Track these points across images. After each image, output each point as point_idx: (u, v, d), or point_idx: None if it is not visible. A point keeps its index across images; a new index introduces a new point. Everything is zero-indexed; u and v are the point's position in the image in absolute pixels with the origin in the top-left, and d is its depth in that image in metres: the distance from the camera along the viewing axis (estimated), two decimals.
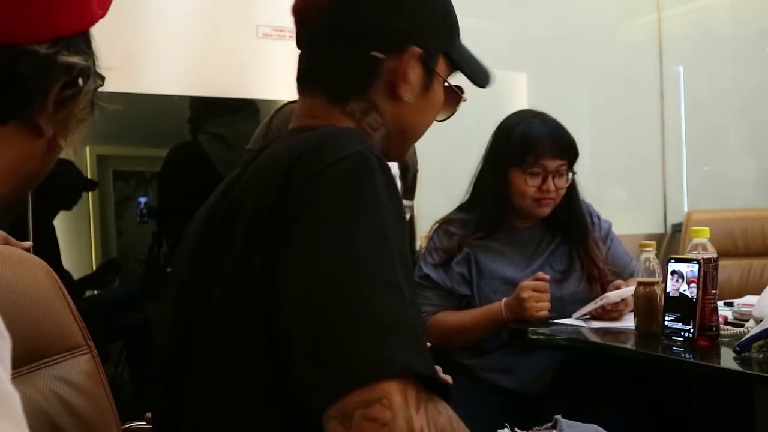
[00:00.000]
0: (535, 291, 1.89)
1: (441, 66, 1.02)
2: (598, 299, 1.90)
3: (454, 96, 1.07)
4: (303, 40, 0.99)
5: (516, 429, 1.29)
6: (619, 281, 2.01)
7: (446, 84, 1.04)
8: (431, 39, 0.98)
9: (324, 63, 0.97)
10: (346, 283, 0.72)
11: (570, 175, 2.05)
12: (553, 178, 2.02)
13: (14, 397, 0.48)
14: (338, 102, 0.95)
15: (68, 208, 2.27)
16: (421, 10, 0.99)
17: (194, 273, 0.89)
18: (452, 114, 1.09)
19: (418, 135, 1.04)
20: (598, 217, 2.20)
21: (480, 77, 1.13)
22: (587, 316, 1.93)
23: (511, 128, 2.06)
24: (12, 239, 1.33)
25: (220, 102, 2.38)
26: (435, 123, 1.08)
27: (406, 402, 0.69)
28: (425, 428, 0.71)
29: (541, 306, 1.89)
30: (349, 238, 0.74)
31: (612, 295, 1.89)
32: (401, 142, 1.02)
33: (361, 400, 0.68)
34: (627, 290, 1.91)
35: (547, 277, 1.93)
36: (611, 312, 1.91)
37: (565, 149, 2.04)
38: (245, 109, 2.41)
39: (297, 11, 0.98)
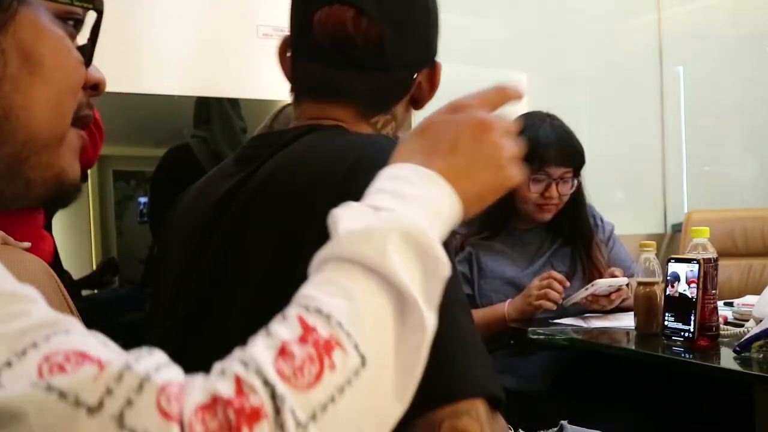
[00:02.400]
0: (548, 282, 1.90)
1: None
2: (588, 286, 1.90)
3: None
4: (336, 56, 0.93)
5: (520, 430, 1.29)
6: (613, 269, 2.02)
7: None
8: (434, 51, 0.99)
9: (373, 85, 0.94)
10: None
11: (575, 181, 2.05)
12: (557, 184, 2.02)
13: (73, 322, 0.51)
14: (369, 115, 0.95)
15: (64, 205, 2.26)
16: (438, 21, 0.98)
17: (217, 262, 0.85)
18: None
19: None
20: (602, 219, 2.20)
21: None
22: (582, 301, 1.94)
23: (518, 132, 2.05)
24: (11, 239, 1.33)
25: (214, 102, 2.38)
26: None
27: (488, 417, 0.70)
28: None
29: (552, 295, 1.89)
30: None
31: (601, 282, 1.90)
32: None
33: (450, 411, 0.68)
34: (617, 279, 1.92)
35: (560, 277, 1.93)
36: (600, 300, 1.92)
37: (571, 157, 2.03)
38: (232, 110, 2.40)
39: (337, 29, 0.92)
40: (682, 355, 1.57)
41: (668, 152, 3.62)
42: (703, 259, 1.56)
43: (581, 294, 1.91)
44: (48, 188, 0.60)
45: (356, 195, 0.67)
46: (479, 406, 0.69)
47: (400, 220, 0.57)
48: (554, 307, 1.89)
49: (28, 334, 0.47)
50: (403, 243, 0.56)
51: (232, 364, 0.50)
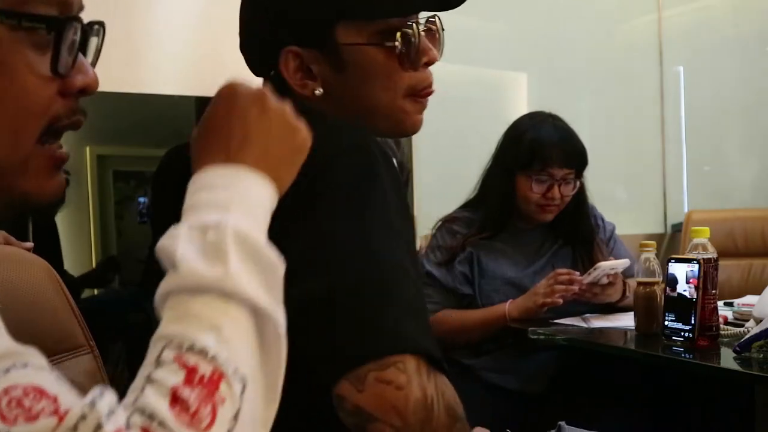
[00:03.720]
0: (554, 281, 1.90)
1: (346, 34, 0.90)
2: (591, 269, 1.90)
3: (391, 46, 0.91)
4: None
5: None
6: (611, 258, 2.03)
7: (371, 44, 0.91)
8: (300, 29, 0.91)
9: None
10: (360, 262, 0.73)
11: (577, 182, 2.05)
12: (560, 186, 2.02)
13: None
14: None
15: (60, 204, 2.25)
16: (282, 9, 0.92)
17: None
18: (421, 61, 0.93)
19: (383, 104, 0.93)
20: (602, 219, 2.20)
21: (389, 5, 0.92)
22: (571, 296, 1.93)
23: (521, 132, 2.06)
24: (13, 239, 1.34)
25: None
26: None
27: (419, 370, 0.71)
28: (435, 397, 0.72)
29: (558, 288, 1.89)
30: (359, 222, 0.75)
31: (604, 265, 1.90)
32: (372, 121, 0.93)
33: (377, 363, 0.69)
34: (618, 262, 1.92)
35: (567, 271, 1.93)
36: (593, 288, 1.92)
37: (574, 158, 2.03)
38: None
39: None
40: (682, 355, 1.57)
41: (668, 152, 3.63)
42: (703, 259, 1.56)
43: (584, 279, 1.91)
44: (12, 209, 0.61)
45: (312, 175, 0.74)
46: (408, 361, 0.70)
47: (231, 234, 0.59)
48: (561, 302, 1.90)
49: None
50: (242, 255, 0.59)
51: (134, 416, 0.51)
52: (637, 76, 3.55)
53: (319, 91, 0.90)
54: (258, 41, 0.95)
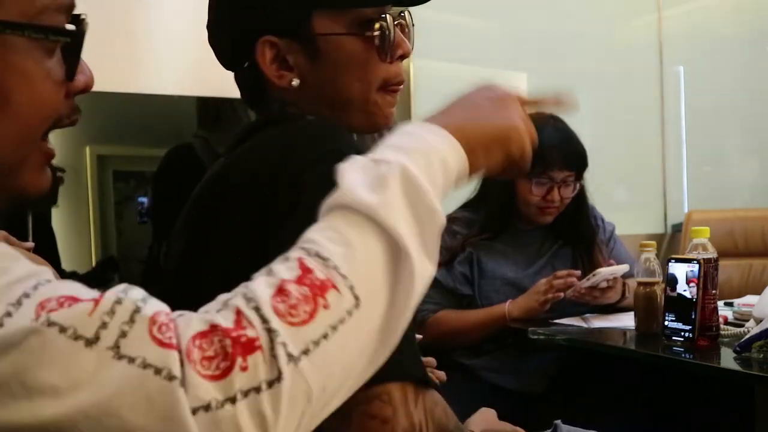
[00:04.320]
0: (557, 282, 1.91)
1: (323, 24, 0.89)
2: (590, 275, 1.90)
3: (364, 38, 0.90)
4: None
5: None
6: (612, 261, 2.03)
7: (347, 34, 0.90)
8: (276, 19, 0.90)
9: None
10: None
11: (577, 184, 2.05)
12: (560, 188, 2.02)
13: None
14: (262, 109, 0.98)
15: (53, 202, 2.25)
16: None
17: (182, 272, 0.87)
18: (396, 54, 0.92)
19: (356, 96, 0.92)
20: (602, 220, 2.20)
21: None
22: (573, 295, 1.94)
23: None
24: (13, 239, 1.33)
25: (218, 102, 2.38)
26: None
27: (405, 397, 0.70)
28: (423, 421, 0.71)
29: (558, 283, 1.89)
30: None
31: (603, 271, 1.90)
32: (345, 114, 0.92)
33: (361, 397, 0.68)
34: (617, 267, 1.92)
35: (566, 272, 1.93)
36: (593, 291, 1.92)
37: (574, 161, 2.03)
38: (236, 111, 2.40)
39: None
40: (682, 355, 1.57)
41: (668, 152, 3.62)
42: (703, 259, 1.56)
43: (583, 283, 1.91)
44: (8, 204, 0.61)
45: (281, 190, 0.74)
46: (392, 390, 0.70)
47: (399, 172, 0.59)
48: (561, 295, 1.90)
49: (18, 286, 0.50)
50: (400, 193, 0.59)
51: (235, 297, 0.53)
52: (637, 76, 3.55)
53: (296, 82, 0.89)
54: (230, 32, 0.94)
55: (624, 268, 1.95)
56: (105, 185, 2.35)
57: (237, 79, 0.97)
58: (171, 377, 0.48)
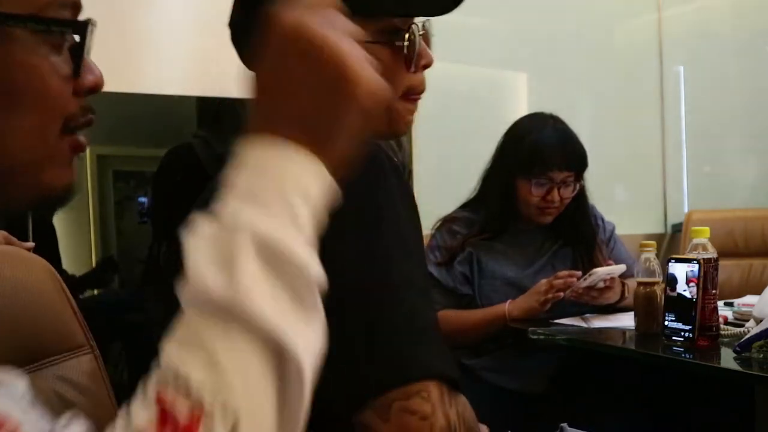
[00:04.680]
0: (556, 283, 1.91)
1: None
2: (587, 275, 1.90)
3: (393, 47, 0.89)
4: None
5: None
6: (610, 261, 2.03)
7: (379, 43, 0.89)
8: None
9: None
10: (377, 288, 0.72)
11: (577, 185, 2.05)
12: (559, 188, 2.02)
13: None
14: None
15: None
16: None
17: None
18: (421, 63, 0.92)
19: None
20: (602, 219, 2.20)
21: (415, 3, 0.91)
22: (571, 295, 1.94)
23: (522, 135, 2.06)
24: (14, 239, 1.34)
25: (218, 102, 2.38)
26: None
27: (442, 397, 0.71)
28: (457, 423, 0.72)
29: (557, 282, 1.89)
30: (376, 242, 0.74)
31: (599, 271, 1.90)
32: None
33: (401, 392, 0.69)
34: (614, 267, 1.92)
35: (567, 273, 1.94)
36: (590, 291, 1.92)
37: (574, 161, 2.03)
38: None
39: None
40: (682, 355, 1.57)
41: (668, 152, 3.62)
42: (703, 259, 1.56)
43: (580, 284, 1.91)
44: (33, 202, 0.61)
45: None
46: (431, 387, 0.70)
47: (249, 240, 0.49)
48: (561, 295, 1.90)
49: None
50: (257, 266, 0.49)
51: None
52: (637, 76, 3.55)
53: None
54: (255, 34, 0.94)
55: (621, 268, 1.95)
56: (105, 185, 2.35)
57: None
58: None
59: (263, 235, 0.49)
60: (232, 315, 0.48)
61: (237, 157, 0.53)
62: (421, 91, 0.94)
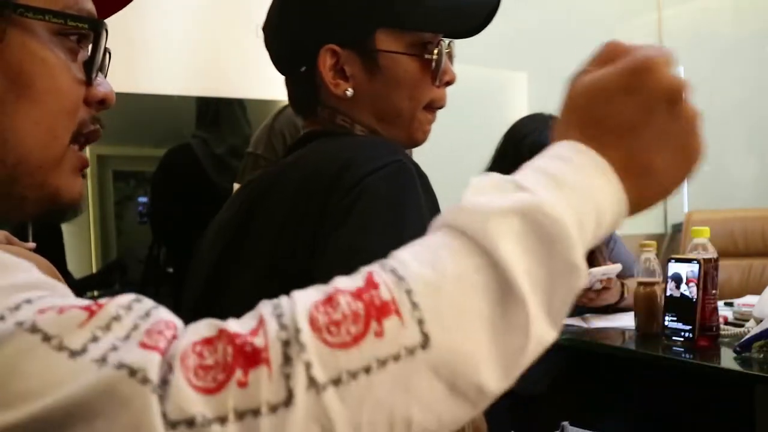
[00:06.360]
0: None
1: (384, 41, 0.94)
2: None
3: (422, 60, 0.96)
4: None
5: None
6: (610, 262, 2.03)
7: (406, 53, 0.95)
8: (342, 30, 0.95)
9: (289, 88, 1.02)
10: None
11: None
12: None
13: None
14: (306, 117, 1.01)
15: None
16: (326, 8, 0.96)
17: (217, 278, 0.90)
18: (444, 79, 0.98)
19: (405, 112, 0.97)
20: None
21: (447, 22, 0.98)
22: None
23: (522, 137, 2.06)
24: (15, 239, 1.34)
25: (216, 102, 2.38)
26: (436, 121, 1.07)
27: None
28: (467, 425, 0.75)
29: None
30: (394, 240, 0.75)
31: (595, 271, 1.90)
32: (391, 127, 0.98)
33: None
34: (610, 267, 1.92)
35: None
36: (588, 293, 1.92)
37: None
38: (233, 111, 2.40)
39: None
40: (682, 355, 1.57)
41: None
42: (704, 259, 1.56)
43: None
44: (42, 206, 0.60)
45: (336, 200, 0.73)
46: None
47: (538, 208, 0.47)
48: None
49: (24, 292, 0.45)
50: (531, 234, 0.46)
51: (271, 302, 0.45)
52: None
53: (350, 92, 0.94)
54: (293, 38, 0.97)
55: (617, 267, 1.95)
56: (105, 185, 2.36)
57: (288, 83, 1.01)
58: (145, 380, 0.40)
59: (553, 214, 0.47)
60: (484, 250, 0.46)
61: (558, 148, 0.54)
62: (442, 106, 1.01)
